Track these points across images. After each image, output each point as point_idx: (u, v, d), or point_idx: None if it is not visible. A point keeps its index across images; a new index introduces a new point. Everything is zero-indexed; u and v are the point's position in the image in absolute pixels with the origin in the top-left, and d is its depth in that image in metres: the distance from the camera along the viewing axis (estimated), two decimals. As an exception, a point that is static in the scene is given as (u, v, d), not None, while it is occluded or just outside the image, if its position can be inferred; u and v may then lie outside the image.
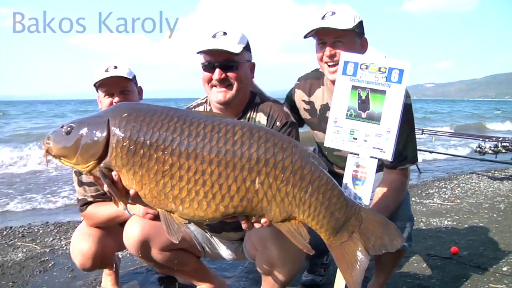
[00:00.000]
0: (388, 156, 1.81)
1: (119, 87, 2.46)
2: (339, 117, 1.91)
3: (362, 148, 1.86)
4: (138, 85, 2.63)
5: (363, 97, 1.85)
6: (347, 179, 1.89)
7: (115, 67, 2.47)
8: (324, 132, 2.37)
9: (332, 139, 1.93)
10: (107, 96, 2.46)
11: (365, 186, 1.86)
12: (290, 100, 2.52)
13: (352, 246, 1.61)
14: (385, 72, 1.81)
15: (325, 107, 2.35)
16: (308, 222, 1.57)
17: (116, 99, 2.44)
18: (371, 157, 1.84)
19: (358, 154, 1.87)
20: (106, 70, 2.45)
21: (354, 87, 1.87)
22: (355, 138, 1.87)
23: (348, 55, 1.90)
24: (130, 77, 2.50)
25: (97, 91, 2.53)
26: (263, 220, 1.57)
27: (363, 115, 1.85)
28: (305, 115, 2.46)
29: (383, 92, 1.81)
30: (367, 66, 1.84)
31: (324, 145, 1.99)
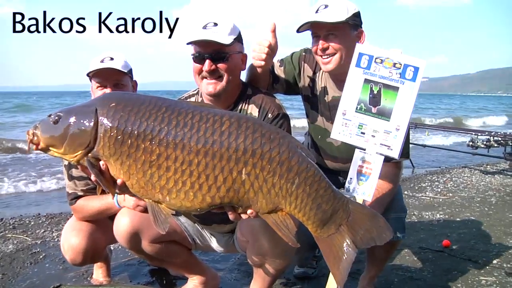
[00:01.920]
0: (395, 154, 1.79)
1: (113, 79, 2.42)
2: (348, 110, 1.88)
3: (370, 143, 1.84)
4: (134, 79, 2.58)
5: (375, 92, 1.82)
6: (352, 173, 1.87)
7: (111, 59, 2.42)
8: (322, 114, 2.38)
9: (339, 131, 1.91)
10: (100, 88, 2.42)
11: (369, 182, 1.84)
12: (296, 64, 2.42)
13: (339, 239, 1.60)
14: (400, 68, 1.78)
15: (324, 90, 2.34)
16: (295, 214, 1.57)
17: (108, 91, 2.39)
18: (377, 153, 1.82)
19: (364, 149, 1.85)
20: (102, 61, 2.40)
21: (367, 81, 1.84)
22: (363, 133, 1.85)
23: (363, 47, 1.87)
24: (125, 71, 2.45)
25: (91, 81, 2.49)
26: (249, 211, 1.57)
27: (374, 110, 1.83)
28: (306, 91, 2.43)
29: (396, 88, 1.78)
30: (382, 60, 1.81)
31: (331, 136, 1.98)
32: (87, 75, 2.47)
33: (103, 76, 2.40)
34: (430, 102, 49.43)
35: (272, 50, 2.07)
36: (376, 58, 1.82)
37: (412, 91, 1.75)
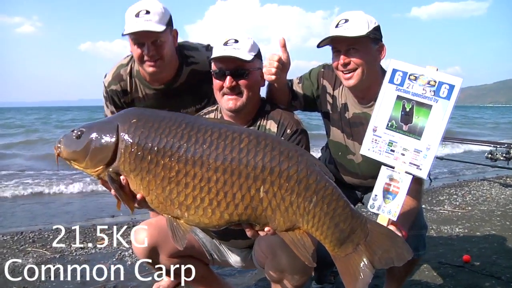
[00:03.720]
0: (424, 174, 1.75)
1: (151, 37, 2.29)
2: (379, 126, 1.86)
3: (399, 162, 1.80)
4: (173, 28, 2.44)
5: (407, 109, 1.79)
6: (377, 190, 1.84)
7: (147, 12, 2.25)
8: (343, 131, 2.36)
9: (368, 147, 1.89)
10: (137, 46, 2.33)
11: (395, 201, 1.80)
12: (314, 80, 2.42)
13: (356, 259, 1.58)
14: (434, 85, 1.74)
15: (345, 107, 2.33)
16: (313, 232, 1.56)
17: (146, 50, 2.30)
18: (406, 172, 1.79)
19: (393, 167, 1.82)
20: (137, 15, 2.26)
21: (399, 98, 1.81)
22: (392, 151, 1.83)
23: (398, 63, 1.84)
24: (162, 29, 2.28)
25: (122, 35, 2.36)
26: (266, 229, 1.57)
27: (405, 127, 1.80)
28: (327, 107, 2.42)
29: (429, 106, 1.75)
30: (416, 77, 1.79)
31: (360, 153, 1.95)
32: (122, 34, 2.36)
33: (139, 34, 2.28)
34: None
35: (283, 64, 2.10)
36: (410, 75, 1.79)
37: (446, 109, 1.71)
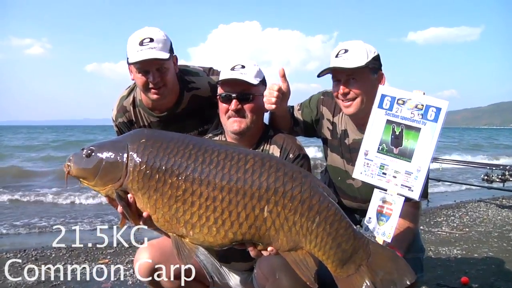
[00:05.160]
0: (415, 195, 1.78)
1: (156, 65, 2.32)
2: (370, 150, 1.90)
3: (391, 184, 1.84)
4: (174, 54, 2.46)
5: (397, 133, 1.84)
6: (371, 213, 1.88)
7: (151, 40, 2.28)
8: (342, 156, 2.40)
9: (361, 171, 1.92)
10: (141, 74, 2.35)
11: (389, 222, 1.83)
12: (314, 108, 2.48)
13: (358, 280, 1.59)
14: (421, 109, 1.79)
15: (345, 133, 2.37)
16: (315, 253, 1.58)
17: (151, 78, 2.33)
18: (398, 194, 1.82)
19: (385, 190, 1.86)
20: (141, 44, 2.28)
21: (389, 122, 1.86)
22: (384, 173, 1.86)
23: (386, 89, 1.90)
24: (167, 56, 2.32)
25: (128, 64, 2.42)
26: (270, 248, 1.59)
27: (395, 150, 1.84)
28: (326, 134, 2.47)
29: (418, 129, 1.79)
30: (404, 101, 1.84)
31: (353, 176, 1.99)
32: (128, 63, 2.39)
33: (145, 64, 2.31)
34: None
35: (283, 94, 2.16)
36: (398, 100, 1.85)
37: (434, 132, 1.76)
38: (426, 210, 7.03)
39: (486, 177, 7.67)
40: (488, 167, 8.07)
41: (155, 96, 2.41)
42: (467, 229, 5.55)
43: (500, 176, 7.44)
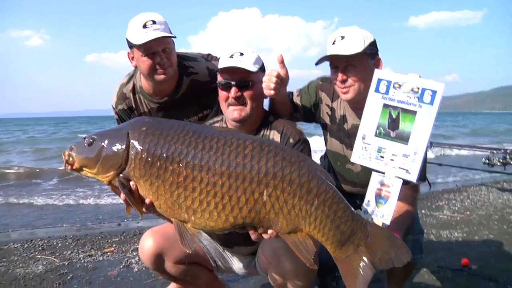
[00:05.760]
0: (413, 177, 1.81)
1: (162, 45, 2.35)
2: (368, 134, 1.93)
3: (388, 167, 1.86)
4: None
5: (394, 116, 1.86)
6: (370, 196, 1.91)
7: (153, 22, 2.31)
8: (341, 141, 2.42)
9: (359, 155, 1.95)
10: (147, 57, 2.36)
11: (387, 205, 1.86)
12: (313, 93, 2.50)
13: (357, 260, 1.62)
14: (417, 92, 1.80)
15: (344, 119, 2.40)
16: (314, 235, 1.61)
17: (158, 59, 2.35)
18: (396, 177, 1.85)
19: (383, 173, 1.89)
20: (145, 26, 2.30)
21: (386, 106, 1.88)
22: (382, 157, 1.88)
23: (382, 73, 1.91)
24: (173, 35, 2.37)
25: (130, 48, 2.43)
26: (270, 231, 1.62)
27: (392, 134, 1.86)
28: (325, 119, 2.49)
29: (414, 112, 1.80)
30: (400, 85, 1.85)
31: (351, 160, 2.02)
32: (129, 46, 2.40)
33: (152, 45, 2.32)
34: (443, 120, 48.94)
35: (282, 80, 2.17)
36: (394, 83, 1.86)
37: (430, 114, 1.77)
38: (427, 194, 7.07)
39: (487, 161, 7.67)
40: (489, 151, 8.07)
41: (162, 77, 2.42)
42: (468, 213, 5.60)
43: (501, 160, 7.45)
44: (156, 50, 2.35)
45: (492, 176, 8.17)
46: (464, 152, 12.36)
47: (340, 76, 2.18)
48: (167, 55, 2.40)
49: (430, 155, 10.28)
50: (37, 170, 10.96)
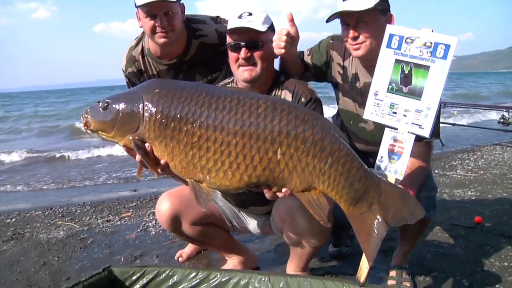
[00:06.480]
0: (426, 133, 1.81)
1: (163, 8, 2.35)
2: (380, 90, 1.92)
3: (401, 123, 1.86)
4: (181, 2, 2.49)
5: (406, 72, 1.84)
6: (383, 152, 1.91)
7: None
8: (354, 100, 2.41)
9: (371, 111, 1.95)
10: (149, 18, 2.37)
11: (400, 160, 1.87)
12: (323, 52, 2.47)
13: (371, 217, 1.64)
14: (430, 47, 1.78)
15: (356, 77, 2.38)
16: (328, 192, 1.62)
17: (159, 21, 2.35)
18: (409, 132, 1.85)
19: (396, 129, 1.88)
20: None
21: (398, 61, 1.86)
22: (394, 113, 1.88)
23: (394, 28, 1.88)
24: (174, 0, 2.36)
25: (136, 8, 2.44)
26: (284, 190, 1.64)
27: (405, 89, 1.85)
28: (337, 78, 2.47)
29: (426, 67, 1.79)
30: (412, 40, 1.82)
31: (364, 117, 2.02)
32: (135, 5, 2.42)
33: (152, 5, 2.32)
34: (458, 80, 47.95)
35: (292, 38, 2.14)
36: (406, 38, 1.83)
37: (443, 69, 1.75)
38: (441, 155, 7.03)
39: (502, 120, 7.56)
40: (504, 109, 7.94)
41: (162, 40, 2.42)
42: (481, 172, 5.56)
43: (517, 119, 7.33)
44: (158, 12, 2.35)
45: (507, 135, 8.04)
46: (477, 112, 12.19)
47: (351, 33, 2.14)
48: (169, 19, 2.38)
49: (443, 115, 10.17)
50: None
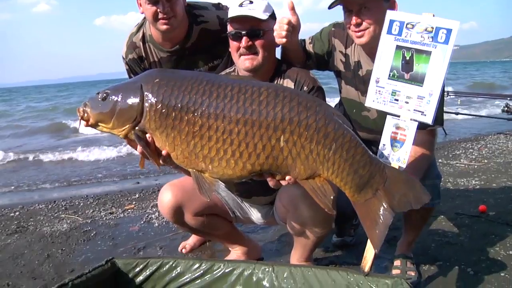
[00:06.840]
0: (429, 119, 1.78)
1: None
2: (381, 77, 1.89)
3: (403, 110, 1.83)
4: None
5: (407, 58, 1.81)
6: (385, 140, 1.89)
7: None
8: (357, 88, 2.38)
9: (373, 99, 1.92)
10: (151, 4, 2.35)
11: (403, 148, 1.84)
12: (325, 40, 2.44)
13: (376, 204, 1.62)
14: (431, 32, 1.74)
15: (358, 65, 2.35)
16: (333, 179, 1.60)
17: (161, 7, 2.33)
18: (411, 119, 1.82)
19: (398, 116, 1.86)
20: None
21: (399, 47, 1.82)
22: (396, 100, 1.85)
23: (394, 14, 1.85)
24: None
25: None
26: (288, 178, 1.62)
27: (406, 76, 1.82)
28: (339, 66, 2.44)
29: (428, 53, 1.75)
30: (413, 25, 1.78)
31: (365, 105, 1.99)
32: None
33: None
34: (459, 69, 47.61)
35: (293, 27, 2.11)
36: (407, 24, 1.79)
37: (445, 54, 1.71)
38: (444, 144, 7.00)
39: (506, 108, 7.49)
40: (508, 98, 7.86)
41: (164, 27, 2.40)
42: (485, 161, 5.53)
43: (521, 107, 7.26)
44: None
45: (511, 123, 7.98)
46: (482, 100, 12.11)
47: (354, 20, 2.10)
48: (171, 5, 2.35)
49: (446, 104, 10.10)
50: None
